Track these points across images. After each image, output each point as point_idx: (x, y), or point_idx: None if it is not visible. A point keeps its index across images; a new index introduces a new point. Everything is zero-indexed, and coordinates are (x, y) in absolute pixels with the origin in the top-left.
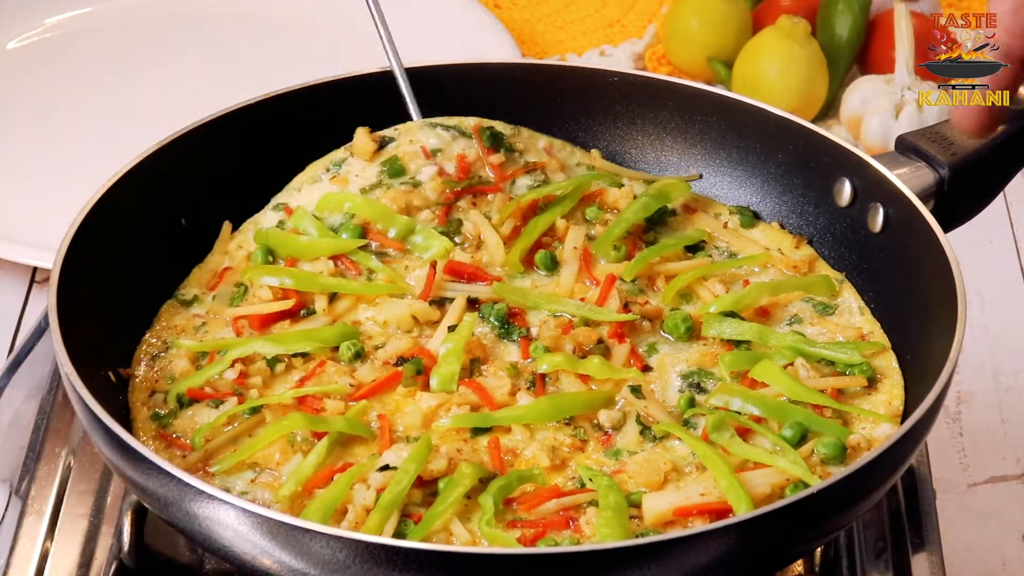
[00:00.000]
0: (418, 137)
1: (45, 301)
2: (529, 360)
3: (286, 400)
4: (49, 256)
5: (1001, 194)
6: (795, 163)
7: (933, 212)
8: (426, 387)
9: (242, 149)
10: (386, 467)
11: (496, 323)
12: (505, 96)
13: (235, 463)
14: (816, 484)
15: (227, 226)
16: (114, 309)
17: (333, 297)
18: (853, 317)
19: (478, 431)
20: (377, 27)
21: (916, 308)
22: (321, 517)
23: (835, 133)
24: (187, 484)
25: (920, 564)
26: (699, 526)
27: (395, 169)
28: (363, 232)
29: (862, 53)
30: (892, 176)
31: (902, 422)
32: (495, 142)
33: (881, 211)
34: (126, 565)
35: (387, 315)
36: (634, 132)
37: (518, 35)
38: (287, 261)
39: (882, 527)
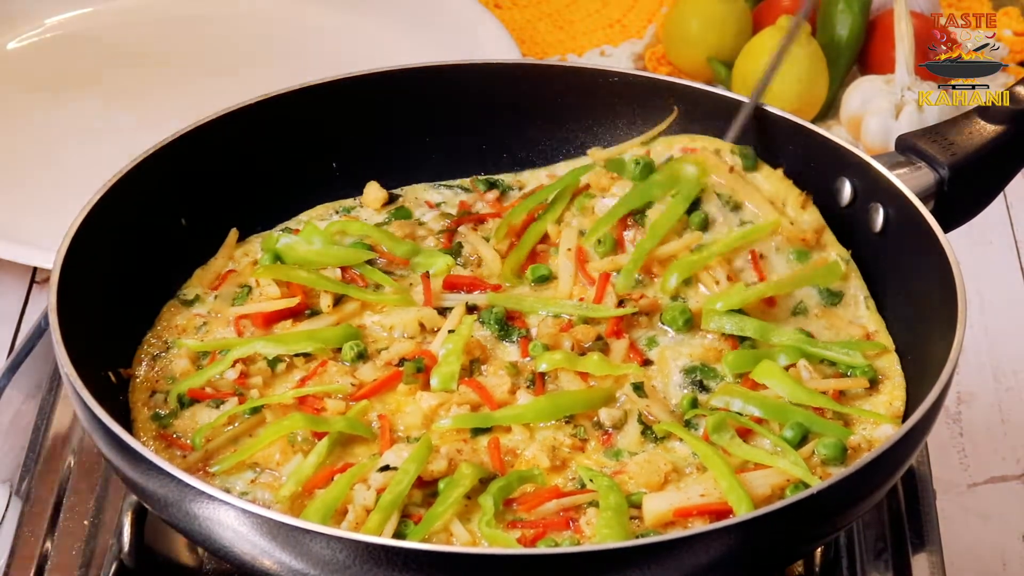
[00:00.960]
0: (422, 195)
1: (45, 301)
2: (528, 359)
3: (287, 400)
4: (48, 256)
5: (1001, 194)
6: (794, 163)
7: (933, 212)
8: (426, 387)
9: (243, 149)
10: (386, 467)
11: (495, 326)
12: (505, 96)
13: (235, 463)
14: (816, 485)
15: (234, 233)
16: (114, 309)
17: (339, 300)
18: (859, 309)
19: (478, 431)
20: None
21: (916, 308)
22: (321, 517)
23: (835, 133)
24: (187, 484)
25: (920, 564)
26: (699, 527)
27: (402, 214)
28: (371, 248)
29: (862, 53)
30: (892, 176)
31: (903, 422)
32: (491, 186)
33: (881, 211)
34: (126, 566)
35: (393, 320)
36: (634, 132)
37: (518, 35)
38: None
39: (882, 527)
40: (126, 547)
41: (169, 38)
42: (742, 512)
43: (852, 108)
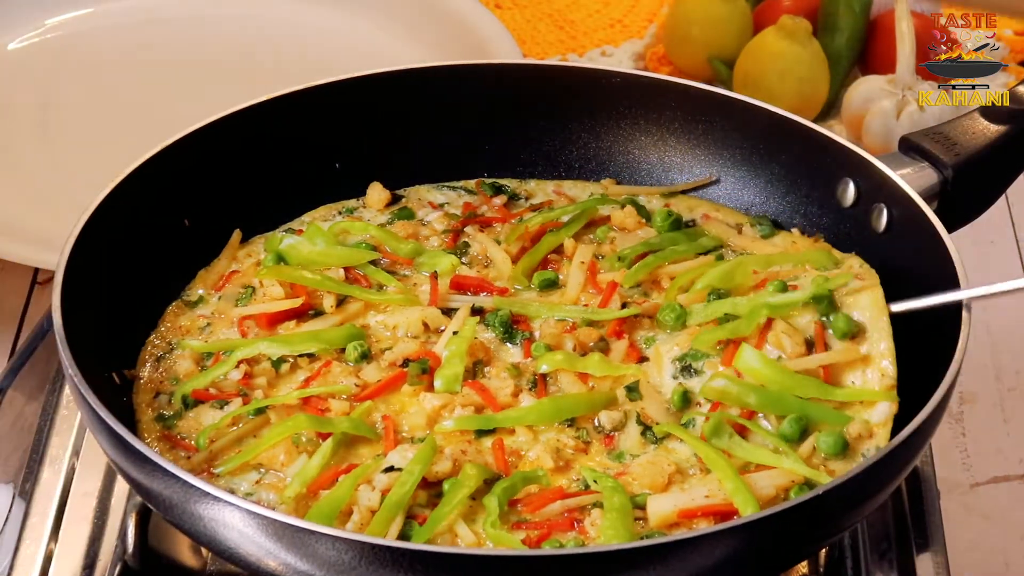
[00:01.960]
0: (425, 196)
1: (46, 302)
2: (531, 360)
3: (291, 401)
4: (50, 257)
5: (1003, 195)
6: (798, 164)
7: (937, 212)
8: (430, 388)
9: (246, 150)
10: (391, 468)
11: (500, 328)
12: (505, 96)
13: (240, 464)
14: (822, 486)
15: (237, 234)
16: (118, 310)
17: (342, 300)
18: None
19: (482, 432)
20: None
21: (919, 309)
22: (326, 519)
23: (836, 133)
24: (192, 485)
25: (924, 564)
26: (704, 528)
27: (404, 215)
28: (374, 248)
29: (863, 53)
30: (896, 176)
31: (902, 421)
32: (497, 191)
33: (885, 211)
34: (130, 567)
35: (397, 320)
36: (637, 133)
37: (519, 35)
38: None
39: (886, 527)
40: (130, 548)
41: (170, 39)
42: (748, 513)
43: (853, 108)
